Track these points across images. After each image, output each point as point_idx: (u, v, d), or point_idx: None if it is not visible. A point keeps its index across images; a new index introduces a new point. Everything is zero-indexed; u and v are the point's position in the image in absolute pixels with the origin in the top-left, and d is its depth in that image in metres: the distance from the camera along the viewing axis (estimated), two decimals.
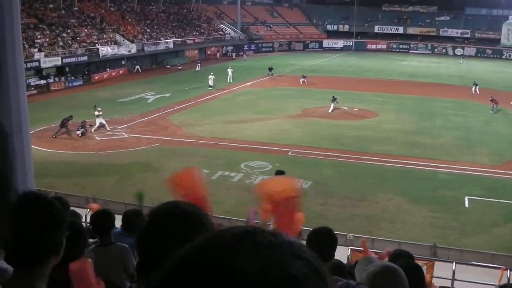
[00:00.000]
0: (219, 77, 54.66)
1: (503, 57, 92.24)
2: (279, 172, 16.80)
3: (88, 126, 33.63)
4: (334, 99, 41.19)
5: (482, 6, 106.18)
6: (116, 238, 7.14)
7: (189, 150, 30.16)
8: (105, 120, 35.10)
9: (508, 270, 13.27)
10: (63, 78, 55.25)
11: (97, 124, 34.55)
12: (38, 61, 52.20)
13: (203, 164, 27.24)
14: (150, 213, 2.22)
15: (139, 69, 66.72)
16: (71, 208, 8.94)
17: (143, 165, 27.32)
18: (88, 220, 12.57)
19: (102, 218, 7.10)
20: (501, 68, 76.02)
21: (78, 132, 33.08)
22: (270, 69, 62.56)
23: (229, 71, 55.78)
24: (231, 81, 54.87)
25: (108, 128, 34.61)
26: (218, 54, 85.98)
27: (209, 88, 50.76)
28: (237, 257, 0.94)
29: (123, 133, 34.39)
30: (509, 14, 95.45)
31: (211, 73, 53.09)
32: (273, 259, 0.94)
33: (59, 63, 55.22)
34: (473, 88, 51.47)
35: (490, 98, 43.12)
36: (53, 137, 32.60)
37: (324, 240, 4.81)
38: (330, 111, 40.71)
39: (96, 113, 34.63)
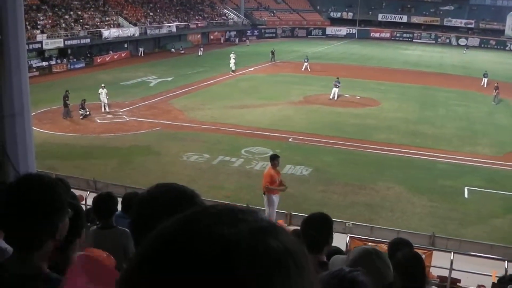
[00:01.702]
0: (224, 61, 54.69)
1: (507, 48, 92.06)
2: (274, 156, 16.92)
3: (87, 111, 33.58)
4: (337, 84, 40.94)
5: None
6: (116, 220, 7.15)
7: (190, 135, 30.16)
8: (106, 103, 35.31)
9: (506, 261, 13.29)
10: (65, 60, 55.20)
11: (104, 102, 34.84)
12: (41, 42, 52.14)
13: (204, 148, 27.30)
14: (143, 194, 2.22)
15: (143, 52, 66.70)
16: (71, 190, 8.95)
17: (144, 149, 27.33)
18: (89, 203, 12.59)
19: (105, 201, 7.11)
20: (504, 59, 75.86)
21: (81, 112, 33.13)
22: (273, 52, 62.31)
23: (232, 56, 55.56)
24: (234, 68, 54.60)
25: (104, 110, 34.81)
26: (222, 39, 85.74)
27: (231, 72, 52.24)
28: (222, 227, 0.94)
29: (124, 116, 34.39)
30: None
31: (233, 54, 54.20)
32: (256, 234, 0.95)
33: (62, 45, 55.15)
34: (484, 80, 50.14)
35: (496, 85, 43.05)
36: (66, 118, 32.81)
37: (318, 224, 4.81)
38: (335, 98, 40.63)
39: (100, 90, 34.80)
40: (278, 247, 0.94)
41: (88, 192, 16.66)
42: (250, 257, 0.91)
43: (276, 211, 17.51)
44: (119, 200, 7.79)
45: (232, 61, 53.62)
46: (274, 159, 16.81)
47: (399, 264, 4.48)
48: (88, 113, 33.45)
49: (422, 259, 5.23)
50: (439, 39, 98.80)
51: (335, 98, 40.56)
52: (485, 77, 49.75)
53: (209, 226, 0.94)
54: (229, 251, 0.90)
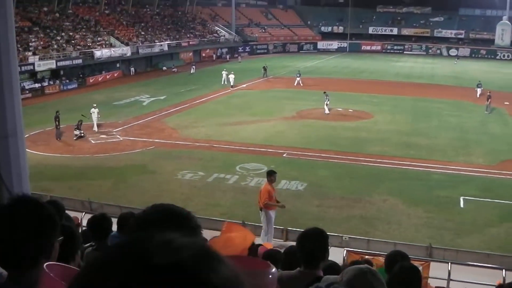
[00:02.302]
0: (216, 79, 55.05)
1: (497, 57, 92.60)
2: (271, 172, 16.84)
3: (82, 132, 33.56)
4: (326, 97, 40.99)
5: (476, 6, 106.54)
6: (112, 241, 7.12)
7: (185, 153, 30.15)
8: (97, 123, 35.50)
9: (504, 270, 13.29)
10: (57, 81, 55.18)
11: (95, 122, 34.95)
12: (33, 64, 52.13)
13: (198, 166, 27.29)
14: (139, 214, 2.22)
15: (134, 71, 66.83)
16: (66, 211, 8.93)
17: (138, 168, 27.29)
18: (84, 224, 12.54)
19: (100, 223, 7.10)
20: (495, 68, 76.23)
21: (76, 132, 33.13)
22: (265, 68, 62.53)
23: (224, 73, 55.81)
24: (225, 83, 54.83)
25: (95, 130, 35.04)
26: (214, 56, 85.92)
27: (231, 88, 53.27)
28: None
29: (118, 136, 34.35)
30: (503, 15, 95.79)
31: (232, 72, 54.94)
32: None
33: (54, 66, 55.16)
34: (478, 90, 48.99)
35: (488, 94, 43.24)
36: (59, 139, 32.84)
37: (313, 239, 4.81)
38: (327, 112, 40.64)
39: (92, 109, 34.92)
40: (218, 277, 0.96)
41: (84, 213, 16.62)
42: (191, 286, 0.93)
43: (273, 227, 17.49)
44: (115, 220, 7.77)
45: (231, 76, 54.24)
46: (271, 174, 16.75)
47: (395, 276, 4.48)
48: (82, 134, 33.38)
49: (418, 271, 5.24)
50: (430, 50, 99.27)
51: (328, 112, 40.59)
52: (478, 87, 49.21)
53: (150, 256, 0.96)
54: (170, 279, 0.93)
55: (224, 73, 55.84)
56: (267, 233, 16.81)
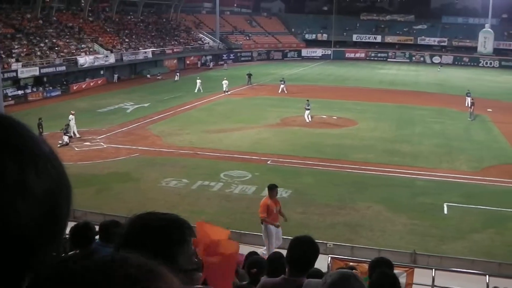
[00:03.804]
0: (193, 87, 55.14)
1: (480, 64, 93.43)
2: (272, 186, 16.18)
3: (66, 141, 33.38)
4: (307, 106, 41.00)
5: (459, 14, 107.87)
6: (97, 249, 7.06)
7: (169, 160, 30.06)
8: (78, 130, 35.51)
9: (488, 276, 13.34)
10: (41, 89, 54.83)
11: (73, 129, 34.79)
12: (16, 71, 51.78)
13: (183, 173, 27.21)
14: (127, 224, 2.18)
15: (117, 78, 66.62)
16: None
17: (122, 176, 27.17)
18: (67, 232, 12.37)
19: (83, 231, 7.04)
20: (478, 76, 76.92)
21: (65, 138, 33.00)
22: (249, 75, 62.65)
23: (198, 81, 55.74)
24: (201, 91, 54.83)
25: (75, 136, 35.00)
26: (199, 63, 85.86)
27: (225, 92, 54.16)
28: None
29: (102, 143, 34.19)
30: (485, 23, 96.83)
31: (225, 78, 55.75)
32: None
33: (37, 73, 54.82)
34: (467, 99, 46.44)
35: (472, 101, 43.51)
36: None
37: (305, 247, 4.80)
38: (309, 120, 40.65)
39: (70, 116, 34.77)
40: None
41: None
42: None
43: (256, 234, 17.37)
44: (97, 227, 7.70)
45: (225, 82, 54.85)
46: (272, 189, 16.10)
47: (373, 283, 4.48)
48: (66, 142, 33.15)
49: (395, 279, 5.25)
50: (414, 58, 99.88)
51: (309, 120, 40.56)
52: (468, 96, 47.18)
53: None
54: None
55: (198, 81, 55.70)
56: (267, 249, 15.83)
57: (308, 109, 40.66)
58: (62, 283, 0.93)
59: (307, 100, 41.57)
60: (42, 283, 0.96)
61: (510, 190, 25.74)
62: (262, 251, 15.70)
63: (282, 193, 24.30)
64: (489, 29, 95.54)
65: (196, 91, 54.96)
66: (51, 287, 0.94)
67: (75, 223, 7.78)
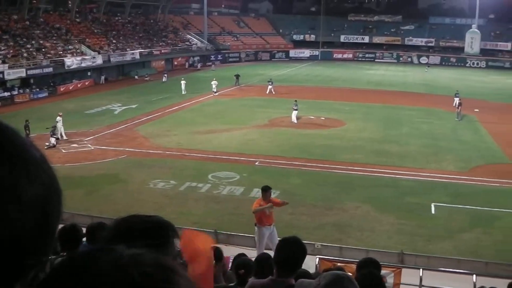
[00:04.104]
0: (188, 87, 54.97)
1: (467, 65, 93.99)
2: (266, 188, 15.87)
3: (53, 142, 33.21)
4: (295, 106, 41.04)
5: (446, 15, 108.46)
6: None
7: (157, 162, 29.99)
8: (65, 132, 35.31)
9: (475, 275, 13.41)
10: (28, 90, 54.52)
11: (61, 130, 34.61)
12: (2, 72, 51.45)
13: (170, 175, 27.16)
14: (111, 227, 2.18)
15: (104, 80, 66.40)
16: None
17: (110, 177, 27.07)
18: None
19: (71, 233, 7.00)
20: (465, 76, 77.35)
21: (52, 140, 32.83)
22: (237, 76, 62.64)
23: (182, 83, 55.64)
24: (184, 93, 54.77)
25: (62, 138, 34.75)
26: (187, 64, 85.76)
27: (214, 93, 54.28)
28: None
29: (89, 145, 34.05)
30: (472, 23, 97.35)
31: (214, 79, 55.91)
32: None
33: (24, 74, 54.45)
34: (456, 100, 45.78)
35: (459, 101, 43.73)
36: None
37: (294, 247, 4.80)
38: (296, 121, 40.72)
39: (58, 118, 34.60)
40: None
41: None
42: None
43: (244, 235, 17.35)
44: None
45: (214, 82, 54.89)
46: (265, 190, 15.76)
47: (358, 283, 4.49)
48: (53, 144, 32.99)
49: (380, 279, 5.27)
50: (401, 58, 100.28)
51: (296, 121, 40.60)
52: (456, 96, 46.65)
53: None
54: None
55: (182, 82, 55.61)
56: (258, 250, 15.34)
57: (296, 110, 40.73)
58: (74, 282, 0.94)
59: (295, 101, 41.63)
60: (53, 284, 0.96)
61: (497, 190, 25.90)
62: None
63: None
64: (476, 30, 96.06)
65: (183, 92, 54.82)
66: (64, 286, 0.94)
67: (63, 225, 7.76)
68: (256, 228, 15.82)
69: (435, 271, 15.32)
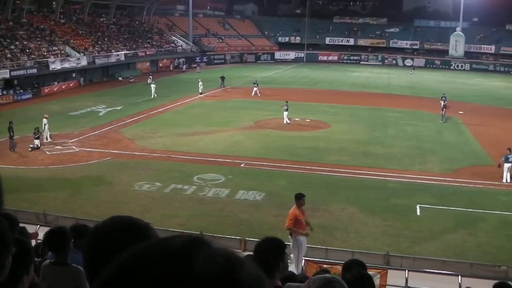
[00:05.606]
0: (174, 89, 54.80)
1: (451, 67, 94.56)
2: (299, 196, 15.44)
3: (37, 144, 32.97)
4: (285, 107, 41.13)
5: (431, 18, 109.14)
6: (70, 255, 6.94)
7: (142, 164, 29.88)
8: (50, 134, 35.05)
9: (460, 276, 13.47)
10: (11, 91, 54.14)
11: (46, 133, 34.38)
12: None
13: (155, 177, 27.07)
14: (92, 230, 2.15)
15: (85, 81, 66.03)
16: (20, 225, 8.71)
17: (95, 179, 26.93)
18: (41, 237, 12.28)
19: (59, 236, 6.92)
20: (449, 78, 77.83)
21: (36, 142, 32.59)
22: (222, 78, 62.52)
23: (152, 86, 55.22)
24: (155, 96, 54.09)
25: (47, 140, 34.51)
26: (171, 66, 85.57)
27: (200, 95, 54.49)
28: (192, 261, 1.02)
29: (74, 147, 33.85)
30: (457, 26, 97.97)
31: (200, 80, 56.60)
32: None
33: (7, 76, 54.08)
34: (441, 102, 45.02)
35: (444, 103, 43.93)
36: (13, 151, 32.20)
37: (270, 248, 4.77)
38: (288, 121, 41.00)
39: (45, 120, 34.38)
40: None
41: (39, 226, 16.30)
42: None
43: (230, 237, 17.34)
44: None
45: (200, 83, 55.12)
46: (299, 198, 15.31)
47: (348, 283, 4.47)
48: (37, 146, 32.78)
49: (370, 279, 5.26)
50: (386, 61, 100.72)
51: (288, 121, 40.77)
52: (442, 99, 45.73)
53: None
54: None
55: (152, 86, 55.07)
56: (296, 261, 15.01)
57: (286, 111, 40.89)
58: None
59: (286, 102, 41.69)
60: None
61: (481, 191, 26.08)
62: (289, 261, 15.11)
63: (256, 196, 24.40)
64: (460, 33, 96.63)
65: (152, 96, 53.85)
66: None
67: (48, 228, 7.69)
68: (291, 238, 15.13)
69: (421, 272, 15.38)
